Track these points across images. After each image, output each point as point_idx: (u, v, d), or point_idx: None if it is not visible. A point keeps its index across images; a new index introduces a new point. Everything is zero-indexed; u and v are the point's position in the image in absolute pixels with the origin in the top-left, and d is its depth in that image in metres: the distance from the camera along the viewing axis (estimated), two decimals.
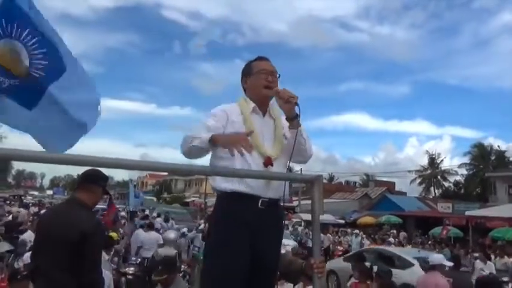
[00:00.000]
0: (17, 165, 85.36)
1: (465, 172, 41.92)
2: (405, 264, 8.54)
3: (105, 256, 5.10)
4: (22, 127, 2.88)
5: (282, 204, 2.20)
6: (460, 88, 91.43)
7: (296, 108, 2.09)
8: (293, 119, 2.14)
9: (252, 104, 2.21)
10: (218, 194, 2.14)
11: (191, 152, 2.02)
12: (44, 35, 2.68)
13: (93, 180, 2.90)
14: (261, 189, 2.05)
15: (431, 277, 5.40)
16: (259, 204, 2.05)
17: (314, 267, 1.88)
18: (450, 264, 6.26)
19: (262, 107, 2.24)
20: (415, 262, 8.50)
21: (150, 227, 9.60)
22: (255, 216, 2.03)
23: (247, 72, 2.31)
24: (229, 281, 1.92)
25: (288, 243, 11.55)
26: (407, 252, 9.83)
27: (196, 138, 1.98)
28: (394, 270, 6.24)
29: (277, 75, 2.27)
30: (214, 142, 1.92)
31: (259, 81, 2.22)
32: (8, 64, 2.64)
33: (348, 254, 11.65)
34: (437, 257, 5.98)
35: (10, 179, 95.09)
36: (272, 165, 2.09)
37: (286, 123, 2.23)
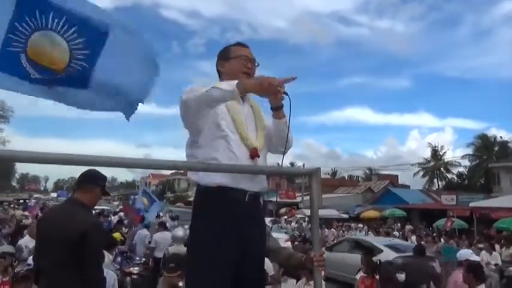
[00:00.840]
0: (21, 169, 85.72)
1: (468, 163, 41.94)
2: (376, 251, 9.42)
3: (108, 256, 5.10)
4: (88, 104, 2.59)
5: (276, 200, 2.12)
6: (461, 80, 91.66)
7: (285, 97, 1.97)
8: (279, 109, 2.04)
9: None
10: (201, 189, 1.97)
11: (203, 101, 1.85)
12: (81, 20, 2.38)
13: (91, 180, 2.89)
14: (248, 182, 1.95)
15: (456, 274, 5.11)
16: (246, 198, 1.95)
17: (314, 260, 1.86)
18: (478, 258, 5.82)
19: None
20: (384, 249, 9.82)
21: (163, 226, 9.22)
22: (244, 212, 1.93)
23: (224, 56, 2.17)
24: (224, 277, 1.86)
25: (282, 237, 11.66)
26: (378, 241, 11.34)
27: (216, 89, 1.81)
28: None
29: (256, 64, 2.17)
30: (240, 89, 1.80)
31: (238, 67, 2.09)
32: (48, 61, 2.40)
33: (330, 245, 12.88)
34: (464, 253, 5.53)
35: (14, 183, 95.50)
36: (259, 156, 1.98)
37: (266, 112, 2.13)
